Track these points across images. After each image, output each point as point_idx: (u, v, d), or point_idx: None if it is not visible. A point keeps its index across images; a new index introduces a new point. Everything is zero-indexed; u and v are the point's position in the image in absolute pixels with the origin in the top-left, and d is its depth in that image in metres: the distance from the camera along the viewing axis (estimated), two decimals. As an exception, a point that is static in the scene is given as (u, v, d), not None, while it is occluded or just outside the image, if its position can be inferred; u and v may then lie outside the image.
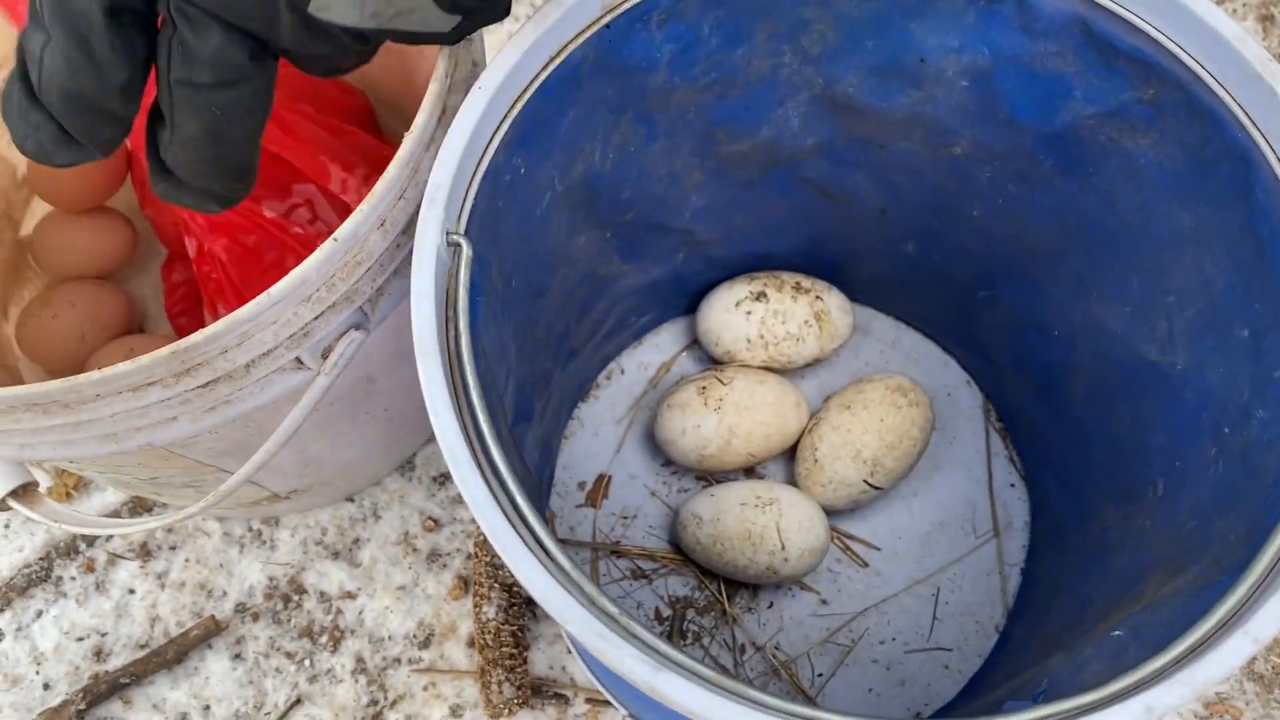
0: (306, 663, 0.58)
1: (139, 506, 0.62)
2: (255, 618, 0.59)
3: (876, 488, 0.55)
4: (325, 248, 0.34)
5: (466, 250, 0.32)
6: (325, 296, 0.35)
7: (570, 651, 0.58)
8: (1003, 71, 0.40)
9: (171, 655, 0.58)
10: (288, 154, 0.46)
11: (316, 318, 0.36)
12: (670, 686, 0.27)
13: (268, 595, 0.60)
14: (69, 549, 0.61)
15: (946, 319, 0.58)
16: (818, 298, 0.57)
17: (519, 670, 0.56)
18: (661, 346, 0.62)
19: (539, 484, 0.51)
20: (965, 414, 0.60)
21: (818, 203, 0.52)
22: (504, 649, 0.55)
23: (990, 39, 0.39)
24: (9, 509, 0.47)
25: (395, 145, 0.36)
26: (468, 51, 0.39)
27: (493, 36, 0.75)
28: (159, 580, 0.60)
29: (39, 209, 0.61)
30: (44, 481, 0.63)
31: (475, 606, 0.56)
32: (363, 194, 0.48)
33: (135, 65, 0.29)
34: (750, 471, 0.59)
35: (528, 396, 0.48)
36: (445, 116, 0.37)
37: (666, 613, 0.56)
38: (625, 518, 0.58)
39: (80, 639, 0.59)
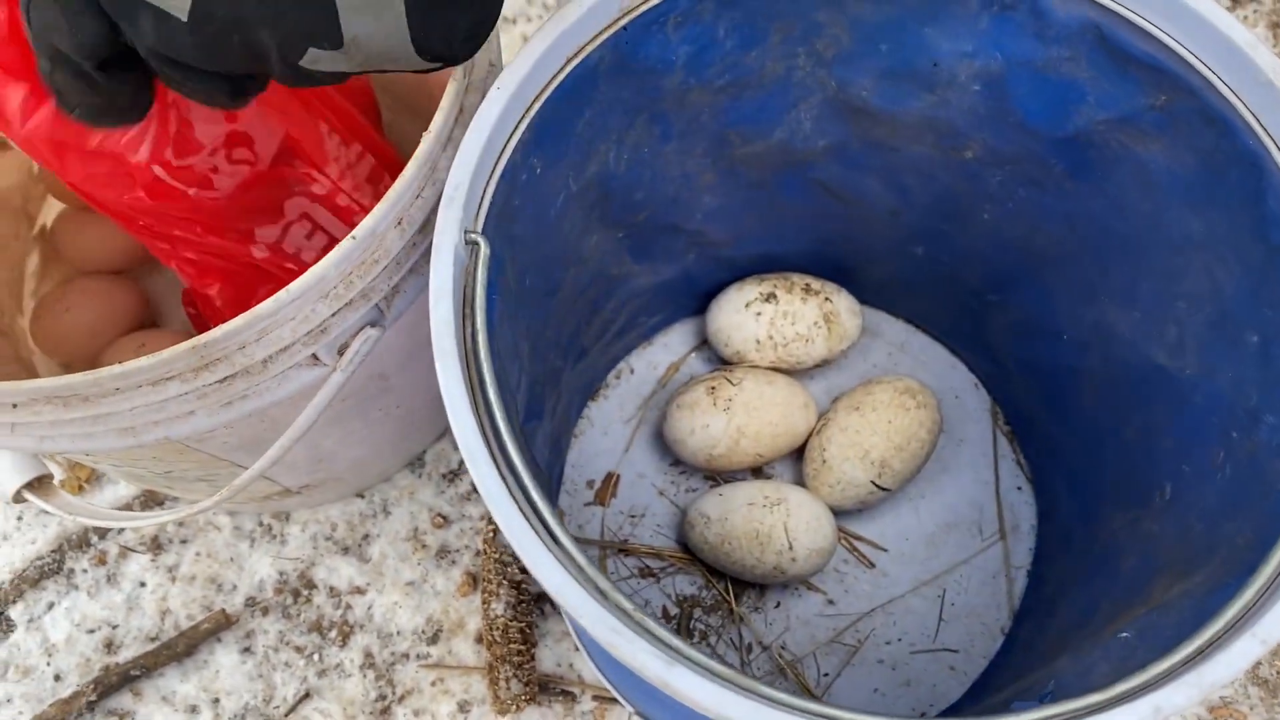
0: (315, 657, 0.59)
1: (150, 500, 0.62)
2: (265, 612, 0.60)
3: (884, 489, 0.55)
4: (344, 245, 0.34)
5: (484, 249, 0.33)
6: (343, 293, 0.36)
7: (578, 649, 0.58)
8: (1015, 76, 0.40)
9: (182, 648, 0.58)
10: (291, 127, 0.45)
11: (333, 314, 0.36)
12: (683, 681, 0.28)
13: (278, 590, 0.60)
14: (81, 541, 0.61)
15: (955, 322, 0.58)
16: (827, 299, 0.58)
17: (527, 667, 0.56)
18: (671, 346, 0.63)
19: (549, 482, 0.51)
20: (973, 416, 0.60)
21: (828, 205, 0.52)
22: (512, 645, 0.56)
23: (1003, 44, 0.40)
24: (24, 500, 0.48)
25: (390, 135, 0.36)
26: (485, 52, 0.39)
27: (508, 36, 0.75)
28: (170, 573, 0.61)
29: (56, 203, 0.61)
30: (57, 474, 0.63)
31: (484, 603, 0.57)
32: (358, 174, 0.48)
33: (131, 87, 0.34)
34: (758, 471, 0.59)
35: (539, 395, 0.48)
36: (462, 116, 0.37)
37: (674, 611, 0.56)
38: (633, 516, 0.59)
39: (91, 631, 0.60)
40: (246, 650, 0.59)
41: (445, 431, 0.63)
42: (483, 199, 0.34)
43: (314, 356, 0.38)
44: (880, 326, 0.62)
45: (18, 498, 0.48)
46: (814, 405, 0.57)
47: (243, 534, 0.61)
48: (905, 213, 0.51)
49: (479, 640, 0.59)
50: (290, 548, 0.61)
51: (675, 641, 0.29)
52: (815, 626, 0.56)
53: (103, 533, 0.62)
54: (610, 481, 0.60)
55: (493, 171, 0.35)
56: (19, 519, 0.62)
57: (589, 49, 0.36)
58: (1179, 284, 0.41)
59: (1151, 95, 0.38)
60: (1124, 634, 0.36)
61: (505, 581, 0.57)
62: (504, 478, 0.31)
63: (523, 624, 0.57)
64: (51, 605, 0.60)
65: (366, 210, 0.49)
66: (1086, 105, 0.39)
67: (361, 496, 0.62)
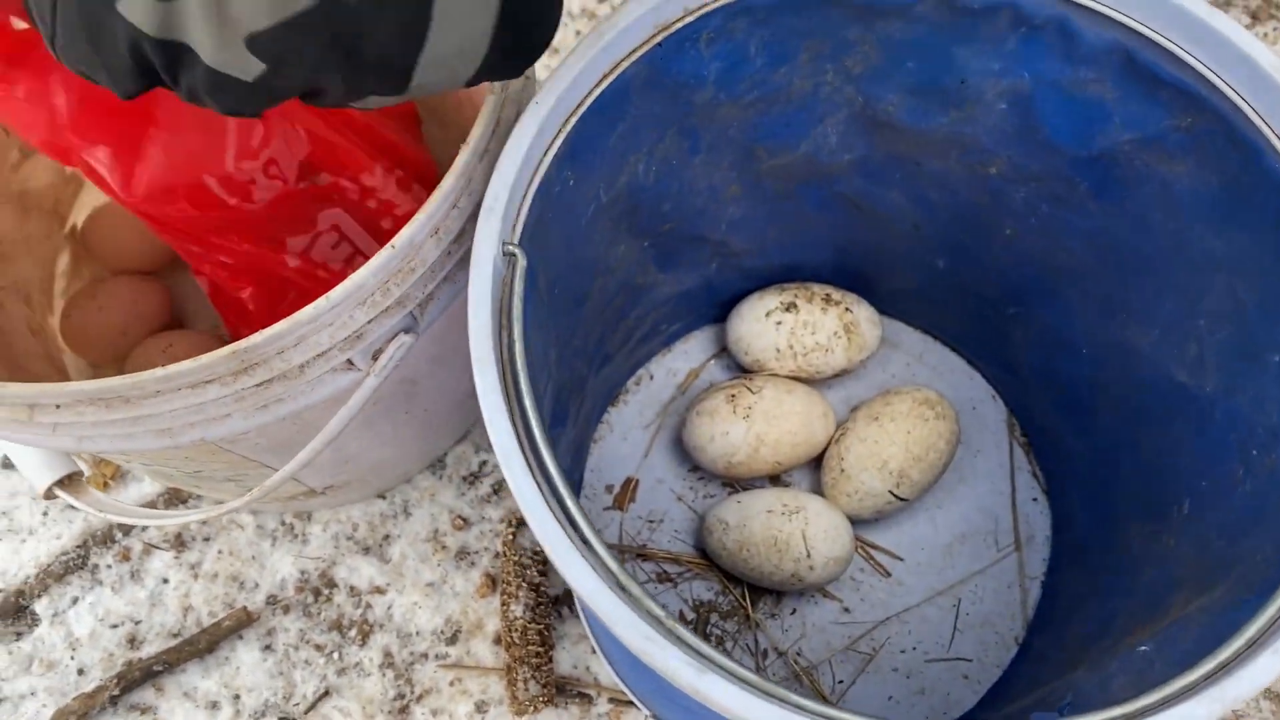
0: (335, 655, 0.59)
1: (174, 497, 0.63)
2: (286, 610, 0.60)
3: (902, 499, 0.55)
4: (383, 254, 0.35)
5: (521, 260, 0.33)
6: (380, 301, 0.37)
7: (595, 651, 0.59)
8: (1042, 95, 0.41)
9: (204, 644, 0.59)
10: (314, 142, 0.46)
11: (370, 321, 0.37)
12: (714, 689, 0.28)
13: (299, 588, 0.61)
14: (105, 538, 0.62)
15: (974, 333, 0.59)
16: (847, 310, 0.58)
17: (544, 669, 0.57)
18: (690, 354, 0.63)
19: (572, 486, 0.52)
20: (989, 427, 0.61)
21: (851, 217, 0.53)
22: (530, 647, 0.56)
23: (1031, 64, 0.40)
24: (55, 497, 0.49)
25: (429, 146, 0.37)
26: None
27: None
28: (192, 571, 0.61)
29: (86, 202, 0.62)
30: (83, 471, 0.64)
31: (503, 605, 0.57)
32: (394, 187, 0.49)
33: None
34: (776, 479, 0.60)
35: (564, 401, 0.49)
36: (498, 128, 0.38)
37: (691, 616, 0.57)
38: (652, 521, 0.59)
39: (115, 626, 0.60)
40: (267, 648, 0.60)
41: (466, 434, 0.64)
42: (519, 211, 0.35)
43: (349, 362, 0.38)
44: (898, 336, 0.63)
45: (49, 494, 0.49)
46: (833, 414, 0.58)
47: (265, 533, 0.62)
48: (927, 226, 0.52)
49: (497, 641, 0.59)
50: (312, 547, 0.62)
51: (706, 649, 0.29)
52: (831, 634, 0.56)
53: (127, 529, 0.62)
54: (629, 486, 0.60)
55: (529, 185, 0.35)
56: (44, 514, 0.63)
57: (624, 65, 0.37)
58: (1200, 302, 0.41)
59: (1178, 117, 0.38)
60: (1143, 647, 0.37)
61: (524, 584, 0.58)
62: (539, 484, 0.32)
63: (541, 626, 0.57)
64: (76, 600, 0.61)
65: (397, 216, 0.50)
66: (1112, 125, 0.40)
67: (383, 497, 0.63)
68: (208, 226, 0.42)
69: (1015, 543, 0.58)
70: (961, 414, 0.60)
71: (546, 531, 0.30)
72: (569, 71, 0.35)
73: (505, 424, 0.31)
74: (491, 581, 0.61)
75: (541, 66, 0.71)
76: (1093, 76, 0.39)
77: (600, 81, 0.37)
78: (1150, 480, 0.47)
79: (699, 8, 0.37)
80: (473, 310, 0.32)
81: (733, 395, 0.57)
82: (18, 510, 0.63)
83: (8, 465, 0.64)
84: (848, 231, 0.54)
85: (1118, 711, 0.29)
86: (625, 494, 0.60)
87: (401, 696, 0.58)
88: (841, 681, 0.55)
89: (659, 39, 0.37)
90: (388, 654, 0.59)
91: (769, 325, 0.58)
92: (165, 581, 0.61)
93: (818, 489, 0.59)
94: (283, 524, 0.62)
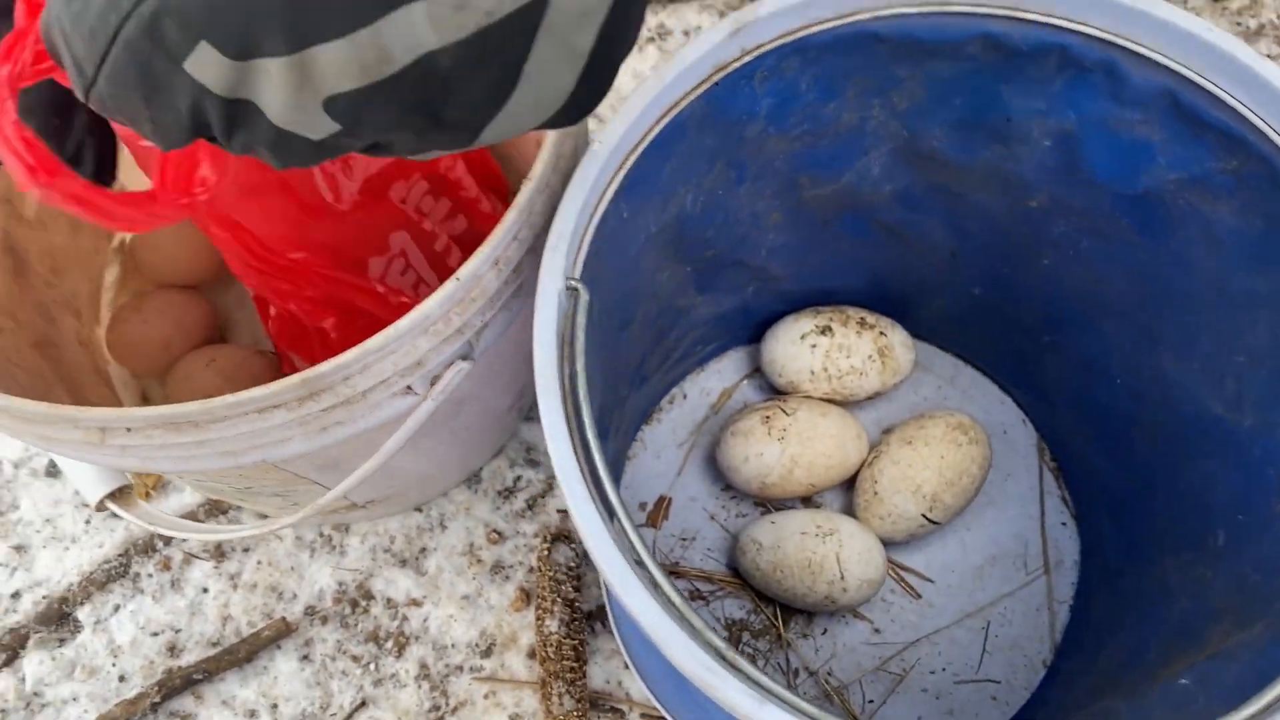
0: (372, 666, 0.60)
1: (214, 507, 0.64)
2: (324, 621, 0.61)
3: (934, 522, 0.56)
4: (448, 286, 0.36)
5: (584, 295, 0.34)
6: (441, 329, 0.38)
7: (627, 666, 0.59)
8: (1088, 135, 0.42)
9: (243, 654, 0.60)
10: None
11: (431, 349, 0.38)
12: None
13: (336, 599, 0.62)
14: (146, 547, 0.63)
15: (1008, 359, 0.59)
16: (881, 334, 0.59)
17: (579, 684, 0.57)
18: (723, 373, 0.64)
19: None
20: (1019, 451, 0.61)
21: (889, 244, 0.54)
22: (565, 662, 0.57)
23: (1078, 104, 0.41)
24: (106, 509, 0.50)
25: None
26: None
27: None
28: (231, 581, 0.62)
29: (131, 218, 0.63)
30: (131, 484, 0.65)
31: (538, 620, 0.58)
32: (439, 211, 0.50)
33: None
34: (807, 499, 0.60)
35: (605, 422, 0.49)
36: (558, 163, 0.39)
37: (722, 634, 0.58)
38: (684, 539, 0.60)
39: (155, 634, 0.62)
40: (305, 658, 0.61)
41: (501, 449, 0.65)
42: (580, 247, 0.36)
43: (408, 387, 0.39)
44: (930, 359, 0.64)
45: (100, 507, 0.50)
46: (866, 437, 0.59)
47: (303, 544, 0.63)
48: (965, 254, 0.53)
49: (531, 655, 0.60)
50: (349, 559, 0.63)
51: (766, 681, 0.30)
52: (861, 654, 0.57)
53: (167, 539, 0.63)
54: (662, 504, 0.61)
55: (590, 221, 0.36)
56: (87, 522, 0.64)
57: (682, 104, 0.38)
58: (1240, 339, 0.42)
59: (1223, 159, 0.39)
60: (1183, 680, 0.37)
61: (559, 599, 0.58)
62: (600, 513, 0.32)
63: (575, 641, 0.58)
64: (117, 608, 0.62)
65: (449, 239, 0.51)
66: (1157, 165, 0.41)
67: (419, 510, 0.64)
68: (298, 238, 0.43)
69: (1044, 566, 0.59)
70: (992, 437, 0.61)
71: (609, 561, 0.31)
72: (631, 111, 0.36)
73: (570, 457, 0.32)
74: (525, 595, 0.62)
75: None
76: (1139, 118, 0.40)
77: (660, 120, 0.37)
78: (1183, 510, 0.47)
79: (755, 48, 0.38)
80: (538, 344, 0.33)
81: (767, 417, 0.58)
82: (61, 518, 0.64)
83: (51, 474, 0.65)
84: (885, 257, 0.55)
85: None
86: (659, 511, 0.61)
87: (437, 708, 0.59)
88: (872, 701, 0.56)
89: (716, 78, 0.38)
90: (423, 666, 0.60)
91: (804, 348, 0.59)
92: (205, 591, 0.62)
93: (848, 509, 0.59)
94: (321, 536, 0.63)
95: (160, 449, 0.38)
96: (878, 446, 0.58)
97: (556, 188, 0.38)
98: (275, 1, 0.22)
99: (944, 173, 0.47)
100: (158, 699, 0.59)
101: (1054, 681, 0.56)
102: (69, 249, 0.59)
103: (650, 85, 0.36)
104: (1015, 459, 0.61)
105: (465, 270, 0.36)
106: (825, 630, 0.58)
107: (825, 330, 0.59)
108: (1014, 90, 0.42)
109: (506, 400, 0.57)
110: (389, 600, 0.62)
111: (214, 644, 0.61)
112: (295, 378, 0.35)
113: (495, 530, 0.63)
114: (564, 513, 0.63)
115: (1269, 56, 0.38)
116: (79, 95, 0.26)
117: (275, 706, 0.60)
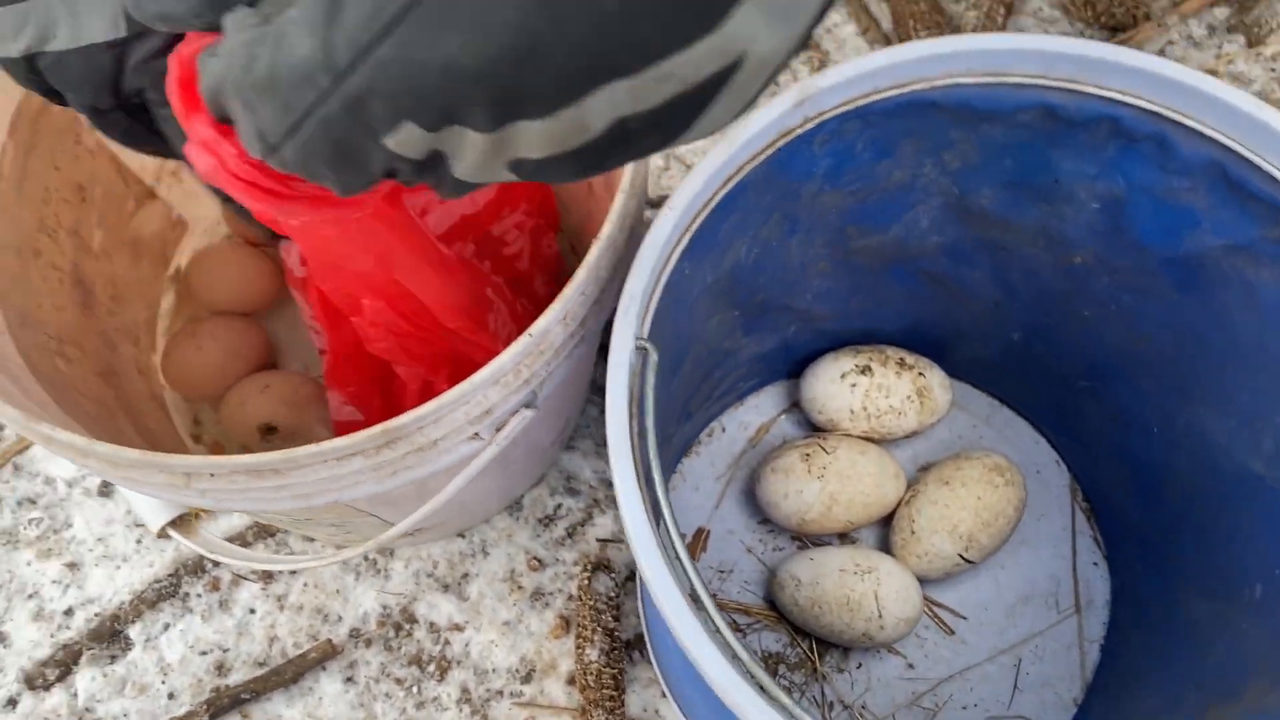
0: (414, 690, 0.62)
1: (263, 531, 0.66)
2: (368, 644, 0.63)
3: (969, 561, 0.57)
4: (521, 341, 0.37)
5: (653, 355, 0.36)
6: (511, 381, 0.39)
7: (664, 695, 0.61)
8: (1135, 200, 0.43)
9: (289, 674, 0.62)
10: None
11: (500, 399, 0.39)
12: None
13: (380, 623, 0.63)
14: (196, 567, 0.65)
15: (1044, 404, 0.61)
16: (920, 374, 0.60)
17: (618, 712, 0.59)
18: (761, 408, 0.66)
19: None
20: (1053, 491, 0.63)
21: (933, 291, 0.55)
22: (605, 690, 0.59)
23: (1126, 170, 0.42)
24: (168, 537, 0.51)
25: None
26: (643, 163, 0.42)
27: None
28: (278, 602, 0.64)
29: (188, 246, 0.65)
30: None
31: (578, 648, 0.60)
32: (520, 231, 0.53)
33: None
34: (844, 536, 0.62)
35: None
36: (624, 222, 0.40)
37: (762, 668, 0.59)
38: (722, 572, 0.62)
39: (204, 653, 0.63)
40: (349, 680, 0.62)
41: (542, 478, 0.66)
42: (649, 307, 0.37)
43: (475, 434, 0.41)
44: (966, 399, 0.65)
45: (162, 534, 0.51)
46: (903, 475, 0.60)
47: (349, 568, 0.65)
48: (1007, 303, 0.54)
49: (570, 682, 0.62)
50: (393, 583, 0.64)
51: (805, 716, 0.32)
52: (895, 689, 0.58)
53: (217, 560, 0.65)
54: (701, 536, 0.63)
55: (657, 281, 0.38)
56: (138, 542, 0.66)
57: (747, 168, 0.39)
58: (1279, 399, 0.43)
59: (1267, 228, 0.40)
60: (1221, 734, 0.39)
61: (599, 628, 0.60)
62: (669, 566, 0.34)
63: (615, 670, 0.60)
64: (167, 626, 0.64)
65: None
66: (1202, 231, 0.42)
67: (462, 536, 0.65)
68: (455, 304, 0.45)
69: (1075, 605, 0.60)
70: (1026, 477, 0.62)
71: (679, 616, 0.33)
72: (700, 175, 0.38)
73: (640, 513, 0.34)
74: (565, 623, 0.63)
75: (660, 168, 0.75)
76: (1186, 186, 0.41)
77: (726, 183, 0.39)
78: (1217, 560, 0.49)
79: (818, 115, 0.40)
80: (611, 406, 0.34)
81: (807, 454, 0.59)
82: (113, 537, 0.66)
83: (104, 493, 0.67)
84: (928, 303, 0.56)
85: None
86: (697, 543, 0.62)
87: (478, 732, 0.61)
88: (905, 736, 0.57)
89: (780, 144, 0.39)
90: (465, 690, 0.62)
91: (844, 387, 0.60)
92: (252, 612, 0.64)
93: (884, 546, 0.61)
94: (366, 560, 0.65)
95: (240, 492, 0.39)
96: (915, 485, 0.60)
97: (620, 245, 0.40)
98: (484, 89, 0.23)
99: (991, 228, 0.49)
100: (206, 717, 0.61)
101: (1084, 720, 0.57)
102: (129, 278, 0.61)
103: (720, 150, 0.38)
104: (1048, 499, 0.62)
105: (538, 326, 0.38)
106: (860, 665, 0.59)
107: (865, 370, 0.60)
108: (1063, 154, 0.43)
109: (552, 435, 0.59)
110: (432, 624, 0.63)
111: (261, 664, 0.63)
112: (376, 429, 0.37)
113: (535, 557, 0.65)
114: (603, 541, 0.65)
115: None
116: (254, 154, 0.27)
117: (320, 727, 0.61)
